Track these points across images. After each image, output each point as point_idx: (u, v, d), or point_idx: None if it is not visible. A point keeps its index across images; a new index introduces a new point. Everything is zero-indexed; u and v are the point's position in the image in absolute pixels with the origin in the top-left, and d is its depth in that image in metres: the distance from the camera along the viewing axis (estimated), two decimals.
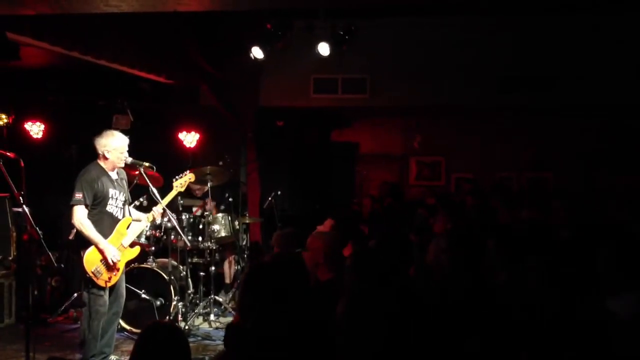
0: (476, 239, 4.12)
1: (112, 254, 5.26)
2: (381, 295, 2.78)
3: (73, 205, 5.21)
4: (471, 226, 5.98)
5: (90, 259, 5.19)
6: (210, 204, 7.72)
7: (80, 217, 5.20)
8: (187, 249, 6.99)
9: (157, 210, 5.68)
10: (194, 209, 7.79)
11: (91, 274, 5.17)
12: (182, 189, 6.08)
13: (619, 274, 3.37)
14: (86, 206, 5.23)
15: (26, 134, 8.88)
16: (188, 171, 6.17)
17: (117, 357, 5.64)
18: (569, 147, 10.38)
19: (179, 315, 6.67)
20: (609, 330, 2.97)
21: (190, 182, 6.25)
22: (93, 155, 5.47)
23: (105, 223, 5.35)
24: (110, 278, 5.29)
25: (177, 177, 6.06)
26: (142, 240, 6.57)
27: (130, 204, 5.83)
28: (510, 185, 10.88)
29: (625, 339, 2.95)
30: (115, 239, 5.39)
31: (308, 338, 2.98)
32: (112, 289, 5.43)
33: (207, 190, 7.31)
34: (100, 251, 5.22)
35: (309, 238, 4.38)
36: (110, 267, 5.28)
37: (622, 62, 8.71)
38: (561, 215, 6.49)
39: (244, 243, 8.09)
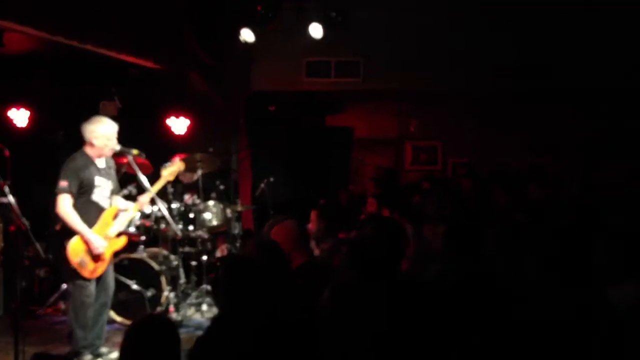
0: (473, 224, 4.06)
1: (97, 245, 5.15)
2: (371, 287, 2.71)
3: (58, 194, 5.09)
4: (468, 210, 5.93)
5: (75, 250, 5.08)
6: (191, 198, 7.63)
7: (65, 206, 5.08)
8: (178, 238, 6.89)
9: (144, 199, 5.58)
10: (186, 197, 7.67)
11: (76, 265, 5.07)
12: (172, 178, 5.97)
13: (617, 262, 3.32)
14: (72, 195, 5.11)
15: (10, 122, 8.73)
16: (177, 159, 6.05)
17: (108, 349, 5.53)
18: (567, 132, 10.31)
19: (171, 306, 6.59)
20: (608, 320, 2.93)
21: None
22: (80, 142, 5.35)
23: (92, 212, 5.24)
24: (95, 269, 5.19)
25: (165, 165, 5.94)
26: (132, 229, 6.45)
27: (118, 193, 5.72)
28: (508, 170, 10.80)
29: (624, 328, 2.91)
30: (100, 229, 5.27)
31: (288, 328, 2.97)
32: (99, 279, 5.33)
33: (198, 180, 7.20)
34: (85, 242, 5.11)
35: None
36: (96, 258, 5.18)
37: (619, 46, 8.63)
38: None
39: (236, 231, 8.00)
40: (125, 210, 5.57)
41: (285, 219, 4.87)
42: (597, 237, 3.52)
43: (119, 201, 5.64)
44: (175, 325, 2.83)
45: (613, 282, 3.20)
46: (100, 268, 5.27)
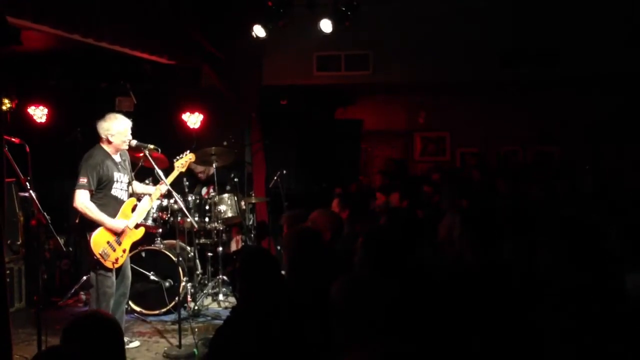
0: (489, 214, 4.07)
1: (122, 226, 5.33)
2: (384, 281, 2.73)
3: (76, 190, 5.22)
4: (481, 202, 5.96)
5: (98, 241, 5.22)
6: (209, 191, 7.72)
7: (83, 200, 5.21)
8: (194, 230, 7.01)
9: (162, 188, 5.69)
10: (204, 192, 7.80)
11: (99, 256, 5.20)
12: (184, 169, 6.06)
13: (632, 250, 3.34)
14: (90, 191, 5.24)
15: (30, 118, 8.84)
16: (188, 151, 6.15)
17: (127, 338, 5.69)
18: (574, 120, 10.31)
19: (188, 296, 6.71)
20: (622, 308, 2.95)
21: (193, 166, 6.23)
22: (97, 138, 5.46)
23: (111, 206, 5.38)
24: (117, 259, 5.33)
25: (177, 157, 6.04)
26: (149, 222, 6.57)
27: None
28: (515, 160, 10.83)
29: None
30: None
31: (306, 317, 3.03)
32: (118, 270, 5.47)
33: (213, 174, 7.30)
34: (109, 230, 5.26)
35: (311, 218, 4.43)
36: (117, 249, 5.32)
37: (624, 31, 8.58)
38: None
39: (250, 223, 8.09)
40: (144, 194, 5.73)
41: (300, 211, 4.99)
42: (612, 225, 3.53)
43: (138, 186, 5.79)
44: (115, 323, 2.72)
45: (629, 269, 3.23)
46: (122, 258, 5.41)
